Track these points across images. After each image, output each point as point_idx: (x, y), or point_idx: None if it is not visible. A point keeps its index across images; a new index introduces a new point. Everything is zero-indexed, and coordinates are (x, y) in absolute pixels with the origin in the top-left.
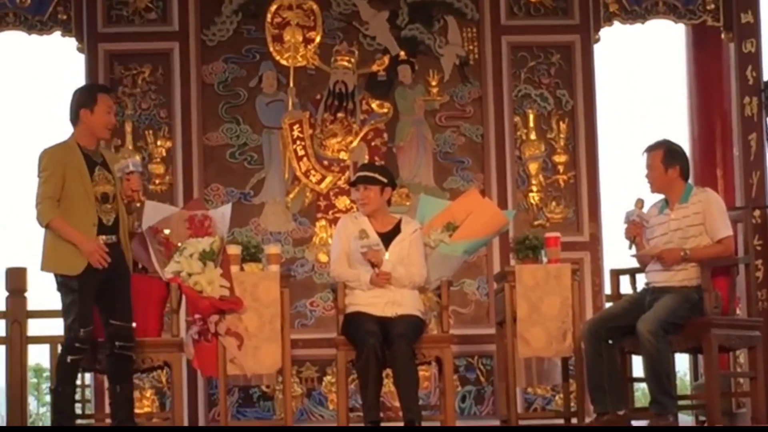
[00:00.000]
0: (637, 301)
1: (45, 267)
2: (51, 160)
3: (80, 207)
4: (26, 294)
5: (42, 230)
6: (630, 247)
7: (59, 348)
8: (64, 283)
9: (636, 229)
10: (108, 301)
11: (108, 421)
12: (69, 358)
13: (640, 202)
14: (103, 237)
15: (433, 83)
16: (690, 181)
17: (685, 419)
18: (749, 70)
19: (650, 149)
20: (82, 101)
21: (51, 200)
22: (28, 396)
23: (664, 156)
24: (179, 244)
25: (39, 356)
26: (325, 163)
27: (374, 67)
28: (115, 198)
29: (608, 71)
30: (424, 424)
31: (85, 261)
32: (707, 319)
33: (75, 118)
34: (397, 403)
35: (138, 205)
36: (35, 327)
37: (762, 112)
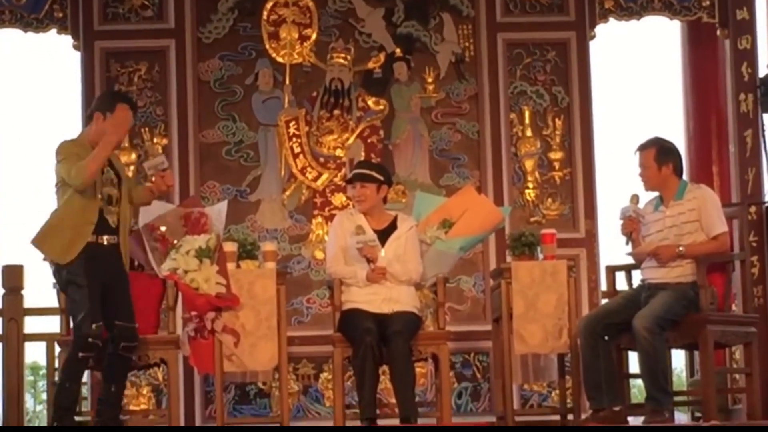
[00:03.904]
0: (633, 298)
1: (46, 252)
2: (70, 150)
3: (80, 204)
4: (23, 291)
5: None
6: (627, 243)
7: (56, 345)
8: (71, 280)
9: (632, 224)
10: (112, 303)
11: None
12: (80, 354)
13: (635, 198)
14: (107, 237)
15: (429, 80)
16: (684, 177)
17: (681, 416)
18: (744, 66)
19: (642, 148)
20: (101, 105)
21: (78, 164)
22: (24, 394)
23: (657, 154)
24: (175, 242)
25: (36, 354)
26: (321, 160)
27: (370, 65)
28: (119, 201)
29: (604, 68)
30: (420, 421)
31: (76, 251)
32: (703, 315)
33: (89, 118)
34: (393, 400)
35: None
36: (32, 324)
37: (757, 108)
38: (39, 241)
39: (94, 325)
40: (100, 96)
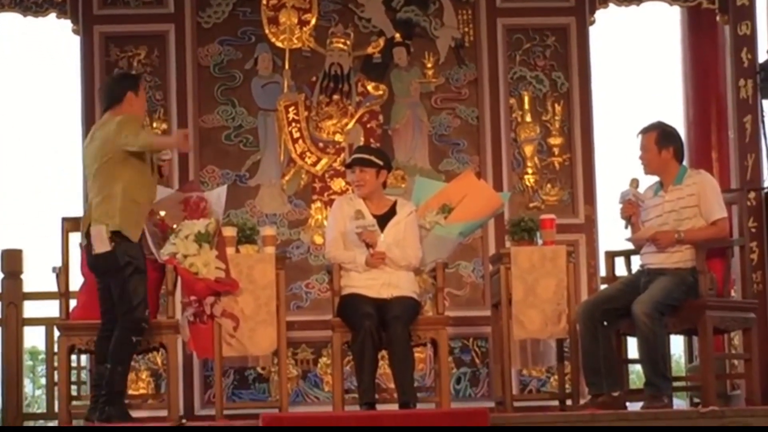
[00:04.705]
0: (632, 283)
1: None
2: (137, 122)
3: (144, 179)
4: (22, 276)
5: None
6: (626, 227)
7: (55, 330)
8: (130, 263)
9: (632, 208)
10: None
11: None
12: (134, 338)
13: (635, 182)
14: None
15: (429, 65)
16: (684, 163)
17: (680, 402)
18: (744, 52)
19: (644, 131)
20: (129, 84)
21: (143, 129)
22: (23, 379)
23: (658, 137)
24: (175, 226)
25: (35, 339)
26: (321, 145)
27: (370, 50)
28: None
29: (604, 54)
30: (419, 405)
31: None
32: (702, 301)
33: (119, 100)
34: (392, 385)
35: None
36: (31, 309)
37: (757, 94)
38: (121, 225)
39: (147, 311)
40: (124, 77)
